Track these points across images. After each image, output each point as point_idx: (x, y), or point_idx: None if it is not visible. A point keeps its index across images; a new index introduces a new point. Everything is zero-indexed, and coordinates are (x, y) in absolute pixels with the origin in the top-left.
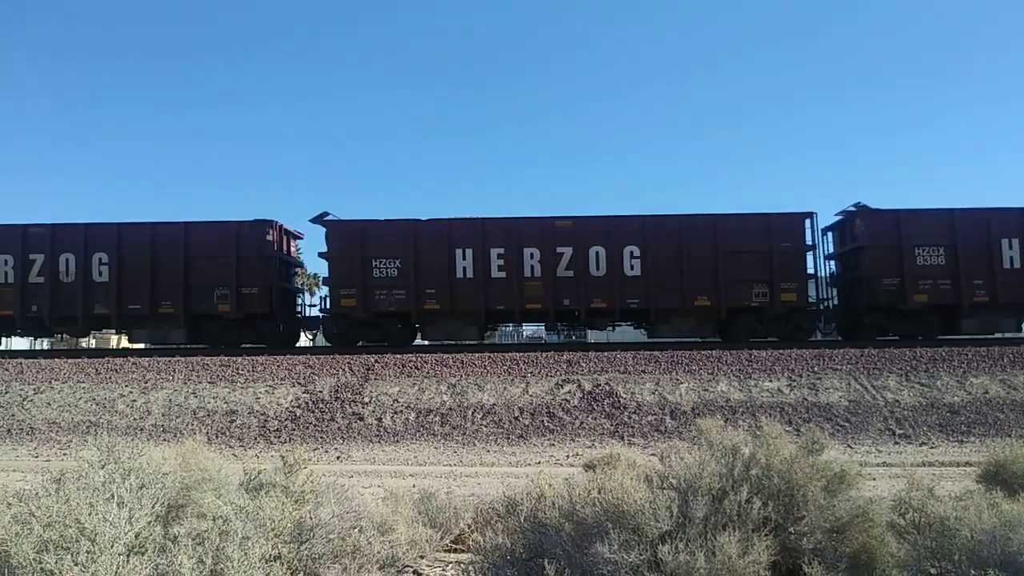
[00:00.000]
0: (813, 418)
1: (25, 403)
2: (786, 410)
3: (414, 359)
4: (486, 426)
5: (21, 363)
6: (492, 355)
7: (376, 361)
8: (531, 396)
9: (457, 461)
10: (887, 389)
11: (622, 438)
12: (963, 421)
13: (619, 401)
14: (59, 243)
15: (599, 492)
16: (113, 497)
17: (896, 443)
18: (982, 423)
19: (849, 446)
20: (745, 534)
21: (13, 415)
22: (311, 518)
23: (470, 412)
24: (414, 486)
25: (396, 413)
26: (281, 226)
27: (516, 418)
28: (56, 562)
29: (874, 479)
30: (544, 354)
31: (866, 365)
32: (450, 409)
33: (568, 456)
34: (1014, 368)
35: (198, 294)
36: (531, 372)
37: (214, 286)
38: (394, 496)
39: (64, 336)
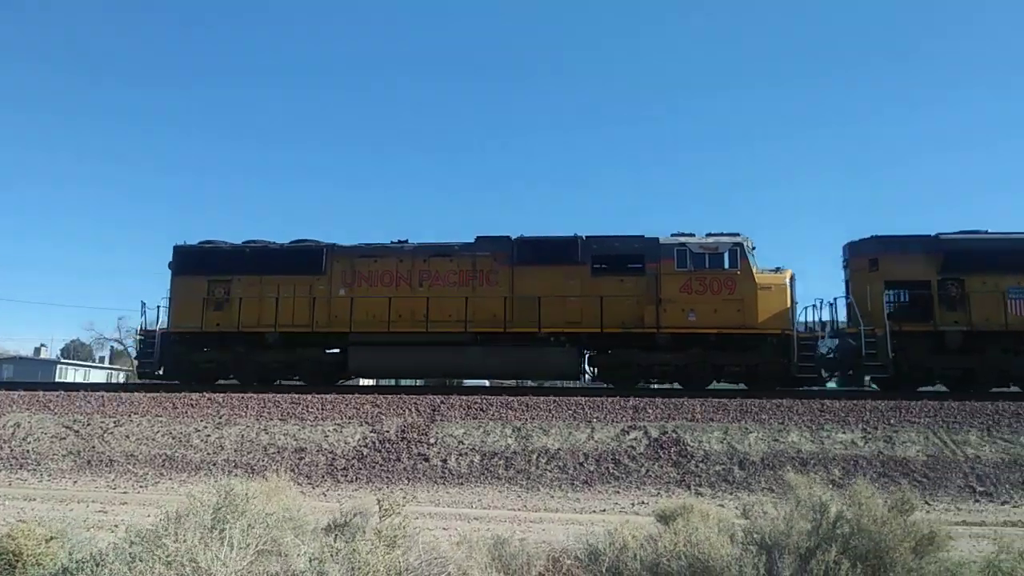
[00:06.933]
0: (888, 472)
1: (105, 435)
2: (860, 463)
3: (479, 401)
4: (550, 471)
5: (103, 396)
6: (557, 399)
7: (442, 402)
8: (596, 442)
9: (521, 506)
10: (967, 444)
11: (688, 487)
12: None
13: (686, 449)
14: None
15: (685, 545)
16: (224, 536)
17: (976, 500)
18: None
19: (927, 502)
20: None
21: (93, 447)
22: (400, 562)
23: (534, 456)
24: (479, 530)
25: (461, 455)
26: None
27: (581, 464)
28: None
29: (953, 538)
30: (610, 399)
31: (945, 418)
32: (514, 453)
33: (633, 504)
34: None
35: None
36: (596, 417)
37: None
38: (466, 540)
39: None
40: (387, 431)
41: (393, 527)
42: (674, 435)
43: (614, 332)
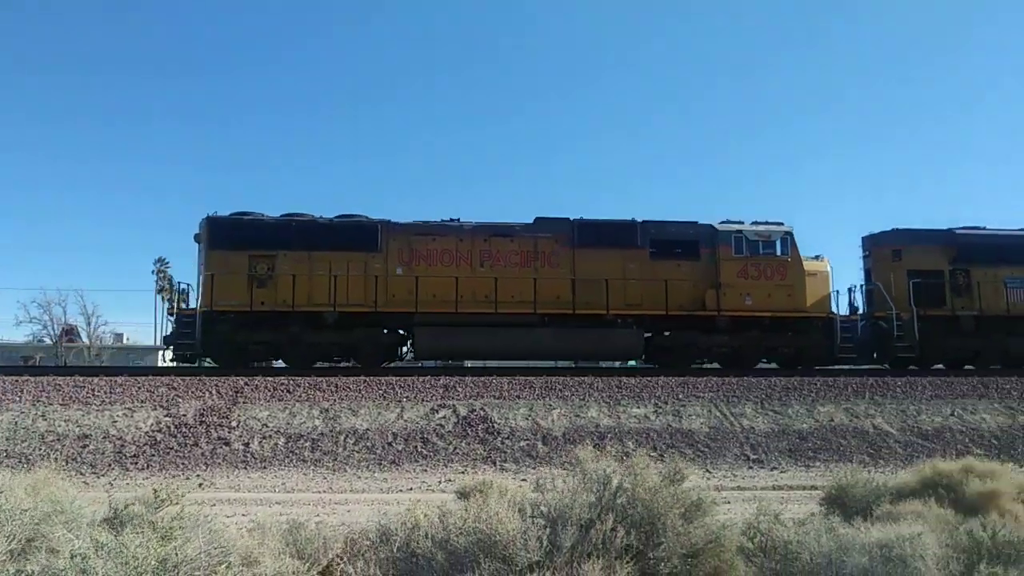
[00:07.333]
0: (676, 444)
1: None
2: (652, 436)
3: (286, 382)
4: (358, 452)
5: None
6: (368, 379)
7: (245, 384)
8: (406, 421)
9: (327, 488)
10: (744, 416)
11: (495, 464)
12: (810, 447)
13: (493, 427)
14: None
15: (474, 522)
16: None
17: (750, 467)
18: (827, 448)
19: (708, 471)
20: (608, 562)
21: None
22: (177, 555)
23: (342, 437)
24: (281, 514)
25: (265, 438)
26: None
27: (389, 443)
28: None
29: (728, 503)
30: (420, 379)
31: (726, 393)
32: (321, 434)
33: (440, 482)
34: (857, 398)
35: None
36: (407, 397)
37: None
38: (261, 526)
39: None
40: (184, 415)
41: (171, 517)
42: (482, 413)
43: (678, 315)
